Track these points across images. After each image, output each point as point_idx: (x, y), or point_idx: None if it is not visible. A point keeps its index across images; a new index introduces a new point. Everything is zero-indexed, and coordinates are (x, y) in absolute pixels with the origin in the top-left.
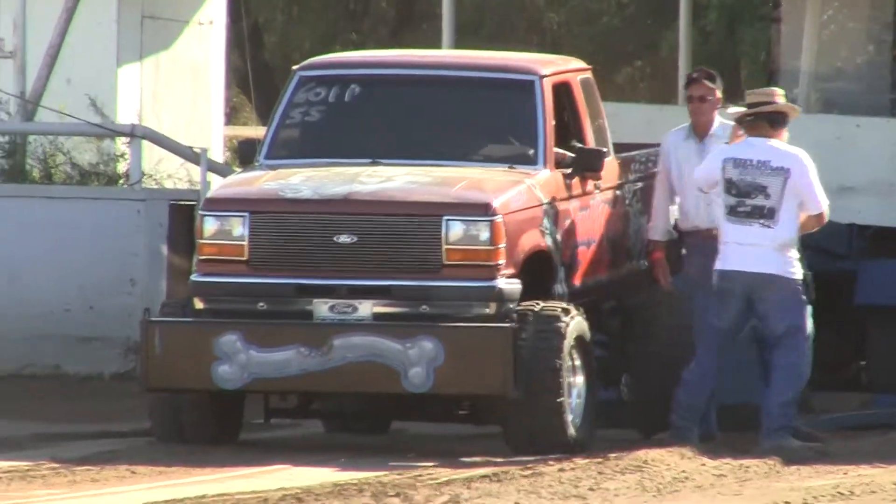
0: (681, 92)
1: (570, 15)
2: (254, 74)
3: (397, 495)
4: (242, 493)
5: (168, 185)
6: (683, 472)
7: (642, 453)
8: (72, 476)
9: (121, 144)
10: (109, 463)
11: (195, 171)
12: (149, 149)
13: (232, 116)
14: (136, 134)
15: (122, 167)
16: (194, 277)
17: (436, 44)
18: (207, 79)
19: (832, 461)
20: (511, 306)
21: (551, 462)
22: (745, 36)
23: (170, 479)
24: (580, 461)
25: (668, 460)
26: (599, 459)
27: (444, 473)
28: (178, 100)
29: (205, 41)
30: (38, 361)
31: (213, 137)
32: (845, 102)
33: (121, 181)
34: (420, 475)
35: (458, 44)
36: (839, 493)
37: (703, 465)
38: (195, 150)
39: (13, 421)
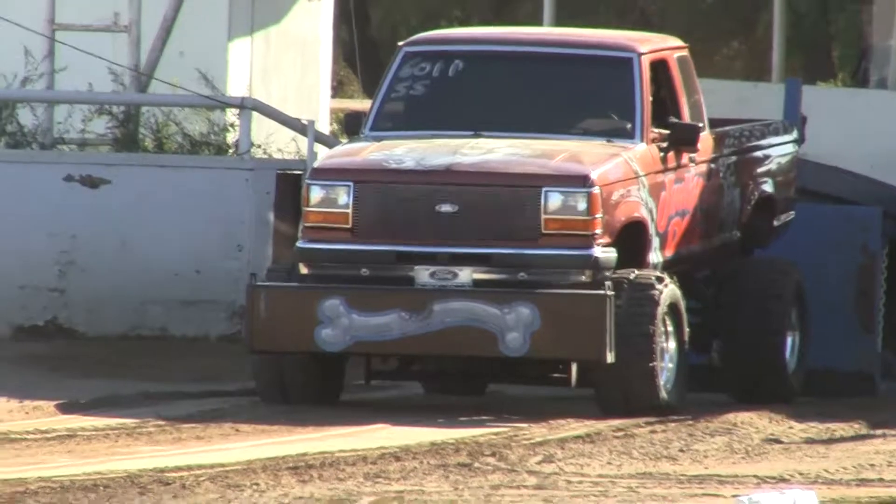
0: (775, 69)
1: None
2: (360, 49)
3: (493, 455)
4: (343, 450)
5: (277, 157)
6: (771, 434)
7: (731, 416)
8: (177, 433)
9: (231, 115)
10: (214, 421)
11: (304, 145)
12: (259, 122)
13: (338, 90)
14: (245, 106)
15: (231, 138)
16: (300, 244)
17: (537, 21)
18: (315, 53)
19: None
20: (607, 274)
21: (643, 424)
22: (837, 17)
23: (272, 438)
24: (671, 423)
25: (756, 423)
26: (690, 421)
27: (539, 434)
28: (286, 73)
29: (313, 16)
30: (146, 323)
31: (321, 110)
32: None
33: (230, 151)
34: (515, 435)
35: (559, 21)
36: None
37: (791, 427)
38: (303, 121)
39: (121, 380)
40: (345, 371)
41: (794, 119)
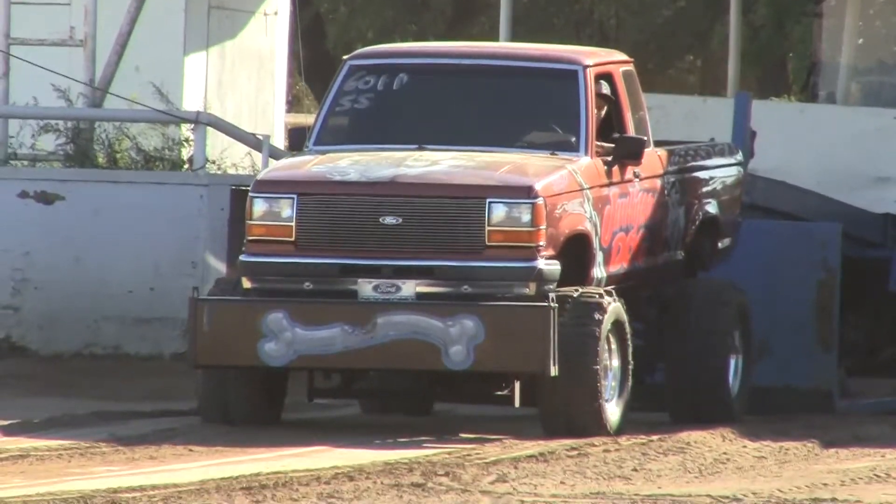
0: (730, 83)
1: (621, 7)
2: (315, 64)
3: (446, 474)
4: (296, 470)
5: (231, 172)
6: (725, 453)
7: (685, 435)
8: (131, 453)
9: (185, 131)
10: (167, 441)
11: (259, 161)
12: (214, 137)
13: (294, 105)
14: (200, 121)
15: (186, 153)
16: (243, 257)
17: (493, 37)
18: (271, 68)
19: (870, 444)
20: (551, 286)
21: (596, 443)
22: (793, 31)
23: (225, 458)
24: (624, 442)
25: (710, 442)
26: (643, 441)
27: (492, 453)
28: (241, 88)
29: (269, 31)
30: (99, 341)
31: (276, 125)
32: (885, 96)
33: (184, 166)
34: (468, 455)
35: (515, 37)
36: (876, 475)
37: (744, 447)
38: (258, 136)
39: (75, 399)
40: (286, 389)
41: (743, 134)
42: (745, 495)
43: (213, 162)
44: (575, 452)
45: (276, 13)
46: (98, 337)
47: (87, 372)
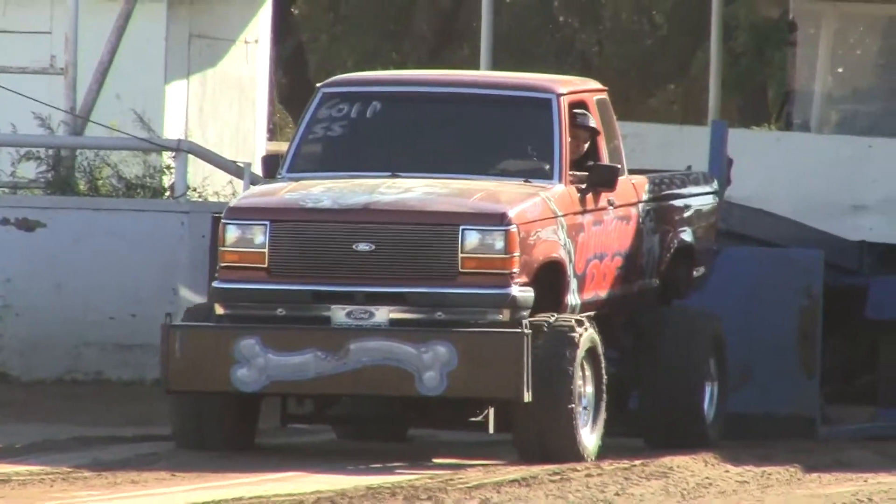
0: (711, 111)
1: (603, 36)
2: (297, 92)
3: (429, 498)
4: (278, 494)
5: (213, 200)
6: (707, 478)
7: (667, 460)
8: (112, 478)
9: (167, 158)
10: (149, 466)
11: (241, 188)
12: (195, 165)
13: (275, 132)
14: (181, 148)
15: (167, 181)
16: (215, 284)
17: (474, 65)
18: (252, 96)
19: (852, 469)
20: (524, 313)
21: (579, 468)
22: (773, 58)
23: (207, 482)
24: (607, 467)
25: (692, 467)
26: (626, 465)
27: (475, 477)
28: (223, 116)
29: (250, 59)
30: (81, 367)
31: (257, 153)
32: (859, 124)
33: (166, 194)
34: (451, 479)
35: (496, 65)
36: (858, 500)
37: (727, 471)
38: (239, 164)
39: (56, 424)
40: (259, 414)
41: (720, 161)
42: None
43: (195, 189)
44: (557, 477)
45: (256, 41)
46: (79, 363)
47: (68, 397)
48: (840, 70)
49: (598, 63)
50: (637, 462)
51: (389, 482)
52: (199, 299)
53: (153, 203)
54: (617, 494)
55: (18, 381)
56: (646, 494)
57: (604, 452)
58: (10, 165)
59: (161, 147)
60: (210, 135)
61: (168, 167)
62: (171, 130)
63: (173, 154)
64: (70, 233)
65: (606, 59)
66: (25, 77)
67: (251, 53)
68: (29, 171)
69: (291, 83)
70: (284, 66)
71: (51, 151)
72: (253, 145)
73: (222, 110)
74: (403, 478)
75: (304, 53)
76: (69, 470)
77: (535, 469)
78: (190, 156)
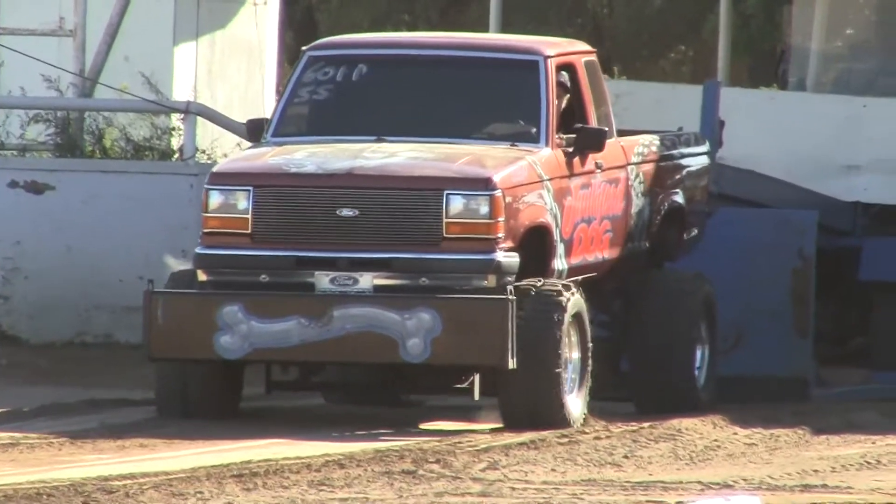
0: (721, 73)
1: None
2: None
3: (437, 462)
4: (287, 458)
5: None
6: (715, 440)
7: (676, 422)
8: (121, 441)
9: (175, 120)
10: (158, 429)
11: None
12: (204, 127)
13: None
14: (190, 110)
15: (175, 143)
16: (198, 249)
17: (483, 26)
18: (261, 58)
19: (860, 430)
20: (509, 279)
21: (587, 430)
22: (783, 20)
23: (216, 445)
24: (615, 429)
25: (700, 429)
26: (634, 428)
27: (483, 440)
28: (231, 78)
29: (259, 21)
30: (90, 330)
31: (266, 115)
32: (854, 83)
33: (174, 156)
34: (459, 442)
35: (505, 27)
36: (866, 461)
37: (735, 433)
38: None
39: (65, 387)
40: (243, 381)
41: (711, 121)
42: (735, 482)
43: (203, 151)
44: (566, 440)
45: (265, 2)
46: (89, 326)
47: (77, 361)
48: (836, 28)
49: (608, 24)
50: (645, 425)
51: (398, 445)
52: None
53: (162, 165)
54: (626, 457)
55: (28, 344)
56: (654, 457)
57: (598, 416)
58: (20, 128)
59: (170, 109)
60: (219, 96)
61: (176, 129)
62: (180, 92)
63: (182, 116)
64: (79, 195)
65: (617, 21)
66: (34, 39)
67: (260, 15)
68: (37, 133)
69: (301, 45)
70: (294, 27)
71: (59, 114)
72: (262, 107)
73: (231, 72)
74: (412, 440)
75: (313, 15)
76: (78, 433)
77: (545, 432)
78: (198, 118)
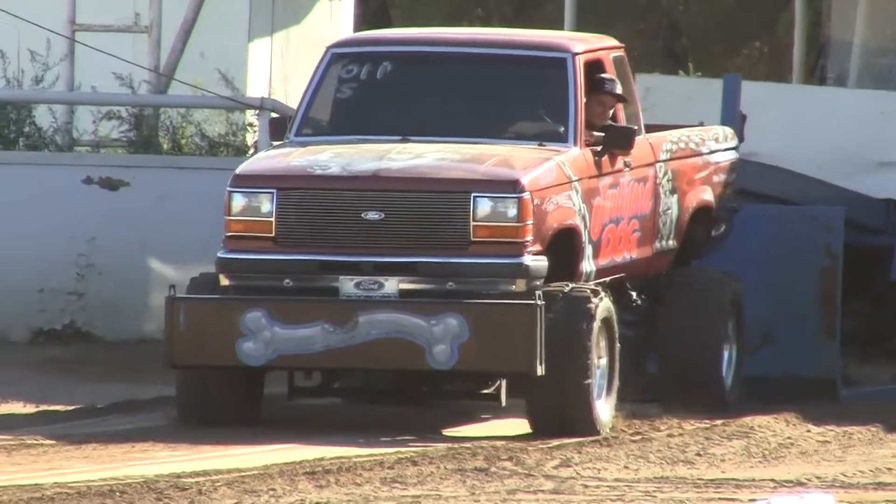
0: (795, 69)
1: None
2: None
3: (510, 459)
4: (360, 455)
5: None
6: (788, 438)
7: (749, 419)
8: (195, 438)
9: (250, 116)
10: (232, 425)
11: None
12: None
13: None
14: (265, 107)
15: (250, 139)
16: (220, 254)
17: (559, 24)
18: None
19: None
20: (538, 283)
21: (660, 428)
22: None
23: (290, 442)
24: (688, 427)
25: (773, 427)
26: (707, 425)
27: (556, 438)
28: (306, 74)
29: (334, 16)
30: (158, 327)
31: None
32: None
33: (249, 152)
34: (532, 439)
35: (579, 25)
36: None
37: (808, 431)
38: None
39: (139, 384)
40: (263, 387)
41: (732, 116)
42: (808, 480)
43: None
44: (639, 437)
45: None
46: (162, 322)
47: (151, 357)
48: (878, 22)
49: (684, 19)
50: (718, 422)
51: (471, 442)
52: None
53: (237, 162)
54: (698, 455)
55: (102, 341)
56: (727, 454)
57: (627, 418)
58: (92, 124)
59: (244, 105)
60: (293, 93)
61: (251, 125)
62: (255, 88)
63: (256, 112)
64: (153, 191)
65: (692, 17)
66: (108, 36)
67: (335, 10)
68: (109, 129)
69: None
70: (369, 23)
71: (133, 110)
72: None
73: (306, 68)
74: (485, 438)
75: (388, 10)
76: (151, 429)
77: (616, 430)
78: (273, 114)
